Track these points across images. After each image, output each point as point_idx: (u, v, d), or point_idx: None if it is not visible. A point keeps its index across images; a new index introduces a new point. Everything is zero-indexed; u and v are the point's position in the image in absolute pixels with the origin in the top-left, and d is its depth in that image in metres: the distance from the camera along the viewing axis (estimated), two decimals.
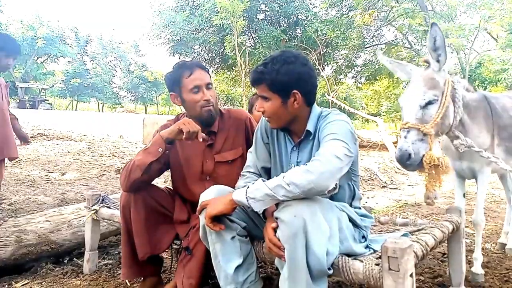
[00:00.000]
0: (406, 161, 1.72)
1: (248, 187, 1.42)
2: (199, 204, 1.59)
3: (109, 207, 2.35)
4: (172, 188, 2.10)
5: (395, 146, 2.10)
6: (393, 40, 16.88)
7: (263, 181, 1.42)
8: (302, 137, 1.62)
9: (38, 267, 2.44)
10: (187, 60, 1.99)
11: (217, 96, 2.07)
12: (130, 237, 1.91)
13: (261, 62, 1.58)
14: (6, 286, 2.21)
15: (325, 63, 17.27)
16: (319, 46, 15.07)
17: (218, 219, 1.53)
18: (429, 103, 1.79)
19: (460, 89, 1.96)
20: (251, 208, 1.39)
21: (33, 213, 2.60)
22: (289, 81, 1.51)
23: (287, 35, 17.43)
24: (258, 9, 17.36)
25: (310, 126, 1.59)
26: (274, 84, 1.52)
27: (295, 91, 1.53)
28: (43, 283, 2.23)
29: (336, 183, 1.39)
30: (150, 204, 1.89)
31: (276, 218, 1.40)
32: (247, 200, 1.39)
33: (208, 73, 1.96)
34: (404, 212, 3.99)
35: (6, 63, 2.74)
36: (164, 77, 2.03)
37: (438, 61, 1.84)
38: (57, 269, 2.43)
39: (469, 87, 2.12)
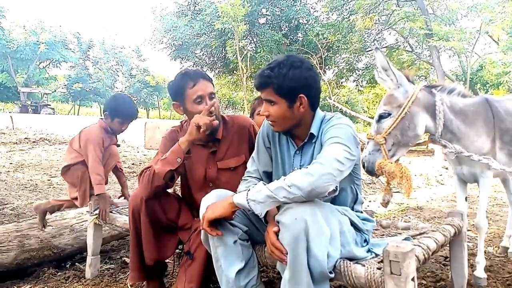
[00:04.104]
0: (364, 169, 1.95)
1: (249, 189, 1.43)
2: (200, 208, 1.59)
3: (111, 212, 2.36)
4: (180, 194, 2.11)
5: None
6: (394, 44, 16.91)
7: (264, 184, 1.42)
8: (305, 141, 1.63)
9: (40, 271, 2.44)
10: (190, 70, 1.98)
11: (219, 100, 2.06)
12: (140, 241, 1.91)
13: (266, 66, 1.58)
14: None
15: (327, 67, 17.30)
16: (320, 50, 15.12)
17: (219, 224, 1.53)
18: (381, 117, 1.97)
19: (445, 100, 1.99)
20: (252, 211, 1.39)
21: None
22: (296, 86, 1.52)
23: (289, 39, 17.50)
24: (260, 14, 17.44)
25: (313, 130, 1.60)
26: (281, 88, 1.52)
27: (301, 95, 1.54)
28: None
29: (337, 186, 1.39)
30: (157, 213, 1.90)
31: (278, 222, 1.40)
32: (248, 203, 1.39)
33: (211, 82, 1.96)
34: (406, 216, 3.98)
35: (120, 128, 2.58)
36: (167, 85, 2.03)
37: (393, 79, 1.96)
38: (59, 273, 2.44)
39: (465, 93, 2.12)
